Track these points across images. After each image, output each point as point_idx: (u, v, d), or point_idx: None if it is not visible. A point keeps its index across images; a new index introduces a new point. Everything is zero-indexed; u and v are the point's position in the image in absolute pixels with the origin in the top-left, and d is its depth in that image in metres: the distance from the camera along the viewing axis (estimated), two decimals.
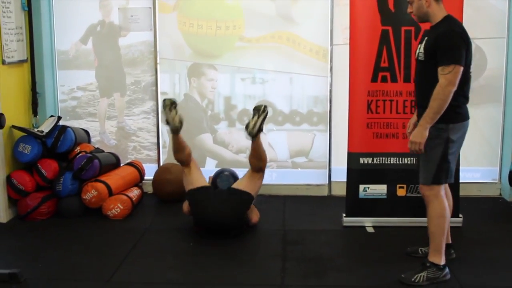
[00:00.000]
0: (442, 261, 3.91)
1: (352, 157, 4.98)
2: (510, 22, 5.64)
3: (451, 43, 3.71)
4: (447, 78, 3.66)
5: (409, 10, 3.95)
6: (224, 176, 4.97)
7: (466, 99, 3.86)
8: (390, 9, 4.77)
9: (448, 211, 3.93)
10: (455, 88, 3.68)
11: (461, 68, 3.69)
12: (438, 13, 3.84)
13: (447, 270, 3.93)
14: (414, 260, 4.20)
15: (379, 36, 4.79)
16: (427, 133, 3.74)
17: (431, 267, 3.90)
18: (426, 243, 4.17)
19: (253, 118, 4.75)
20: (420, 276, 3.88)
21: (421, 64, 3.89)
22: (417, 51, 3.95)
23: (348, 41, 4.97)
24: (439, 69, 3.69)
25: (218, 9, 5.81)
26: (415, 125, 4.20)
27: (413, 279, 3.87)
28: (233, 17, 5.79)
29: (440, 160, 3.83)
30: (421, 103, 3.91)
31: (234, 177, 5.05)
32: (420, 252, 4.33)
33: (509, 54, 5.68)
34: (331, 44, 5.75)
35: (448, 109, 3.72)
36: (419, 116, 3.88)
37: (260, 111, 4.74)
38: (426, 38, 3.87)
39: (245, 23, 5.82)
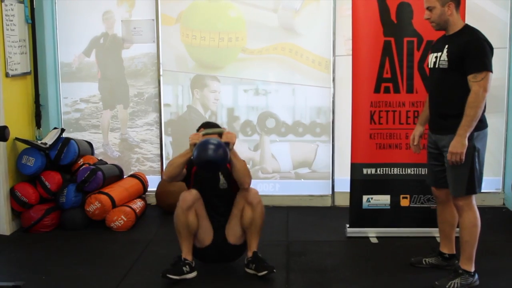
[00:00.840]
0: (473, 268, 3.96)
1: (355, 168, 4.97)
2: None
3: (481, 50, 3.73)
4: (481, 85, 3.67)
5: (426, 16, 3.90)
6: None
7: (484, 107, 3.82)
8: (392, 20, 4.78)
9: (479, 220, 3.94)
10: (488, 94, 3.71)
11: (491, 75, 3.72)
12: (457, 22, 3.86)
13: (477, 276, 3.98)
14: (419, 271, 4.20)
15: (381, 47, 4.80)
16: (467, 142, 3.73)
17: (464, 274, 3.94)
18: (430, 254, 4.19)
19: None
20: (454, 282, 3.92)
21: (443, 72, 3.85)
22: (435, 60, 3.92)
23: (350, 52, 4.99)
24: (470, 76, 3.69)
25: (221, 21, 5.83)
26: (420, 137, 4.23)
27: (447, 286, 3.90)
28: (236, 28, 5.81)
29: (470, 169, 3.83)
30: (443, 111, 3.90)
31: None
32: (424, 262, 4.33)
33: (511, 64, 5.69)
34: (334, 55, 5.76)
35: None
36: (439, 125, 3.91)
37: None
38: (447, 46, 3.83)
39: (248, 34, 5.84)
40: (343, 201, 5.64)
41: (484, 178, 5.68)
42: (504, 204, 5.89)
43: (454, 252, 4.27)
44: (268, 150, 6.00)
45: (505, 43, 5.69)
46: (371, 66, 4.84)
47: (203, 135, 4.05)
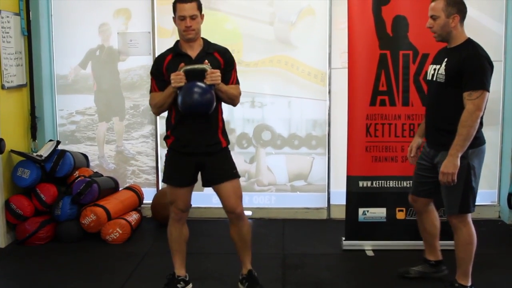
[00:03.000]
0: (469, 283, 3.97)
1: (351, 181, 4.98)
2: (507, 45, 5.68)
3: (479, 67, 3.66)
4: (475, 104, 3.61)
5: (429, 24, 3.83)
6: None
7: (481, 124, 3.76)
8: (388, 34, 4.80)
9: (475, 237, 3.92)
10: (482, 114, 3.65)
11: (488, 94, 3.65)
12: (460, 35, 3.80)
13: None
14: (415, 284, 4.19)
15: (377, 60, 4.82)
16: (459, 162, 3.67)
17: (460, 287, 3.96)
18: (416, 262, 4.32)
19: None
20: None
21: (440, 86, 3.81)
22: (433, 72, 3.89)
23: (346, 65, 5.00)
24: (466, 94, 3.63)
25: (217, 33, 5.83)
26: (417, 149, 4.22)
27: None
28: (232, 41, 5.82)
29: (464, 188, 3.79)
30: (439, 126, 3.86)
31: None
32: (411, 272, 4.35)
33: (506, 77, 5.72)
34: (330, 68, 5.78)
35: None
36: (435, 139, 3.89)
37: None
38: (446, 59, 3.79)
39: (244, 47, 5.85)
40: (339, 213, 5.63)
41: (480, 191, 5.67)
42: (499, 217, 5.90)
43: (441, 259, 4.30)
44: (264, 163, 6.00)
45: (500, 56, 5.71)
46: (367, 79, 4.85)
47: (184, 71, 3.73)
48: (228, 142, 4.01)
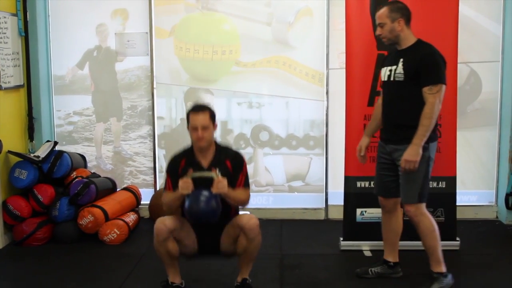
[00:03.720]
0: (444, 269, 4.07)
1: (349, 181, 4.98)
2: (505, 46, 5.68)
3: (436, 64, 3.89)
4: (436, 97, 3.84)
5: (378, 32, 4.06)
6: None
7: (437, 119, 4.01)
8: None
9: (436, 224, 4.06)
10: (441, 106, 3.89)
11: (445, 87, 3.89)
12: (409, 37, 4.01)
13: (450, 275, 4.08)
14: (412, 283, 4.19)
15: (375, 61, 4.81)
16: (421, 151, 3.87)
17: (439, 277, 4.06)
18: (375, 263, 4.42)
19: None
20: None
21: (399, 84, 3.99)
22: (389, 73, 4.06)
23: (344, 65, 5.01)
24: (426, 88, 3.85)
25: (215, 34, 5.85)
26: (366, 148, 4.38)
27: None
28: (230, 42, 5.82)
29: (423, 178, 3.98)
30: (400, 122, 4.01)
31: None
32: (370, 272, 4.41)
33: (503, 77, 5.72)
34: (327, 68, 5.78)
35: None
36: (396, 135, 4.03)
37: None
38: (402, 59, 3.97)
39: (241, 47, 5.85)
40: (337, 214, 5.63)
41: (477, 191, 5.75)
42: (497, 217, 5.90)
43: (398, 260, 4.39)
44: (262, 163, 6.00)
45: (498, 57, 5.72)
46: (364, 80, 4.85)
47: (192, 178, 3.84)
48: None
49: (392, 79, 4.03)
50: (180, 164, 3.99)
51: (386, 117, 4.15)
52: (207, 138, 3.91)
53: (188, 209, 3.79)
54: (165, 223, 3.87)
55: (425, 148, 3.91)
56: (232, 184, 3.90)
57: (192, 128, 3.90)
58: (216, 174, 3.85)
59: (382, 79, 4.18)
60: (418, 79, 3.88)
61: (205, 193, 3.77)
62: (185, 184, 3.80)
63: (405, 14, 3.98)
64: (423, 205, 4.03)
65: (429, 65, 3.88)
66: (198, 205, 3.75)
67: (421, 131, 3.85)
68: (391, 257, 4.39)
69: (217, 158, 3.98)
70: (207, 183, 3.80)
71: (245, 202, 4.03)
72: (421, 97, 3.87)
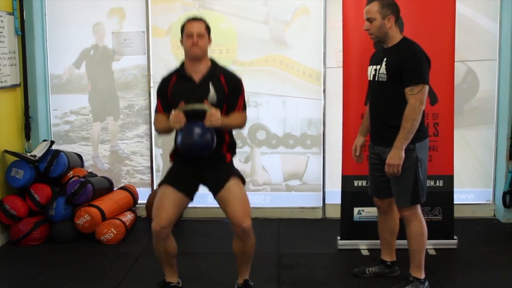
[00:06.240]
0: (423, 275, 4.05)
1: (346, 180, 4.97)
2: (502, 44, 5.68)
3: (418, 63, 3.80)
4: (417, 98, 3.75)
5: (366, 27, 3.97)
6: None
7: (424, 117, 3.94)
8: None
9: (426, 228, 4.02)
10: (424, 107, 3.80)
11: (427, 87, 3.80)
12: (395, 35, 3.93)
13: (427, 283, 4.05)
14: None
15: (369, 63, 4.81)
16: (403, 154, 3.80)
17: (414, 281, 4.03)
18: (372, 263, 4.44)
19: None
20: None
21: (382, 85, 3.93)
22: (374, 73, 4.01)
23: (341, 64, 4.99)
24: (407, 89, 3.78)
25: (212, 32, 5.81)
26: (361, 148, 4.34)
27: None
28: (227, 40, 5.81)
29: (414, 180, 3.91)
30: (385, 123, 3.96)
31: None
32: (367, 272, 4.42)
33: (501, 76, 5.72)
34: (324, 67, 5.77)
35: None
36: (381, 136, 3.99)
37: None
38: (385, 59, 3.91)
39: (239, 46, 5.84)
40: (334, 213, 5.62)
41: (475, 189, 5.74)
42: (494, 215, 5.90)
43: (395, 259, 4.38)
44: (259, 162, 5.99)
45: (495, 55, 5.72)
46: (361, 78, 4.81)
47: (184, 111, 3.65)
48: (233, 155, 3.94)
49: (376, 78, 3.98)
50: (170, 83, 3.81)
51: (373, 117, 4.12)
52: (202, 46, 3.71)
53: (181, 143, 3.64)
54: (160, 224, 3.71)
55: (411, 150, 3.84)
56: (230, 105, 3.77)
57: (186, 35, 3.71)
58: (209, 107, 3.65)
59: (368, 78, 4.13)
60: (400, 79, 3.80)
61: (199, 125, 3.61)
62: (177, 118, 3.63)
63: (395, 11, 3.91)
64: (417, 207, 3.99)
65: (411, 65, 3.78)
66: (191, 138, 3.59)
67: (402, 133, 3.78)
68: (388, 257, 4.39)
69: (211, 73, 3.78)
70: (201, 115, 3.62)
71: (241, 126, 3.92)
72: (404, 98, 3.79)
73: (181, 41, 3.79)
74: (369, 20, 3.93)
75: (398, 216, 4.31)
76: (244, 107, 3.88)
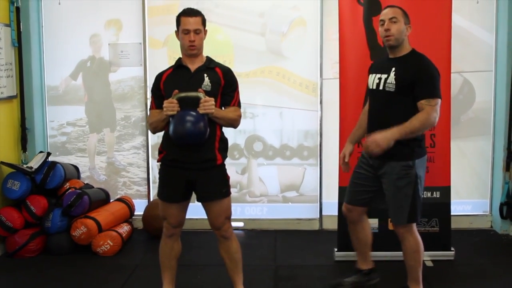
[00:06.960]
0: None
1: (343, 191, 4.93)
2: (498, 55, 5.70)
3: (433, 77, 3.75)
4: (434, 110, 3.69)
5: (387, 27, 3.84)
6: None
7: (423, 136, 3.91)
8: (379, 44, 4.79)
9: (422, 244, 3.96)
10: (436, 122, 3.76)
11: (440, 101, 3.76)
12: (407, 45, 3.91)
13: None
14: None
15: (368, 71, 4.81)
16: (392, 144, 3.68)
17: None
18: (351, 274, 4.34)
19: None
20: None
21: (389, 95, 3.82)
22: (378, 81, 3.91)
23: (337, 75, 5.01)
24: (424, 101, 3.69)
25: (208, 44, 5.74)
26: (350, 156, 4.25)
27: None
28: (223, 52, 5.82)
29: (412, 198, 3.84)
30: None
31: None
32: (344, 284, 4.35)
33: (497, 87, 5.73)
34: (321, 78, 5.78)
35: (414, 144, 3.79)
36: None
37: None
38: (394, 69, 3.83)
39: (235, 58, 5.85)
40: (331, 224, 5.61)
41: (472, 200, 5.74)
42: (491, 226, 5.90)
43: (372, 266, 4.34)
44: (256, 174, 5.98)
45: (491, 66, 5.74)
46: (358, 89, 4.85)
47: (177, 99, 3.61)
48: (224, 157, 3.89)
49: (381, 88, 3.89)
50: (164, 75, 3.86)
51: (373, 127, 3.93)
52: (199, 44, 3.77)
53: (174, 131, 3.61)
54: (172, 223, 3.90)
55: (410, 166, 3.78)
56: (225, 101, 3.81)
57: (183, 31, 3.73)
58: (202, 94, 3.63)
59: (370, 87, 4.04)
60: (410, 91, 3.73)
61: (192, 113, 3.58)
62: (170, 105, 3.62)
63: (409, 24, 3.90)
64: (413, 225, 3.93)
65: (426, 78, 3.72)
66: (184, 126, 3.56)
67: (405, 127, 3.66)
68: (365, 265, 4.33)
69: (207, 65, 3.83)
70: (194, 104, 3.61)
71: (235, 121, 3.85)
72: (411, 110, 3.72)
73: (176, 33, 3.83)
74: (393, 20, 3.81)
75: (369, 226, 4.27)
76: (239, 104, 3.89)
